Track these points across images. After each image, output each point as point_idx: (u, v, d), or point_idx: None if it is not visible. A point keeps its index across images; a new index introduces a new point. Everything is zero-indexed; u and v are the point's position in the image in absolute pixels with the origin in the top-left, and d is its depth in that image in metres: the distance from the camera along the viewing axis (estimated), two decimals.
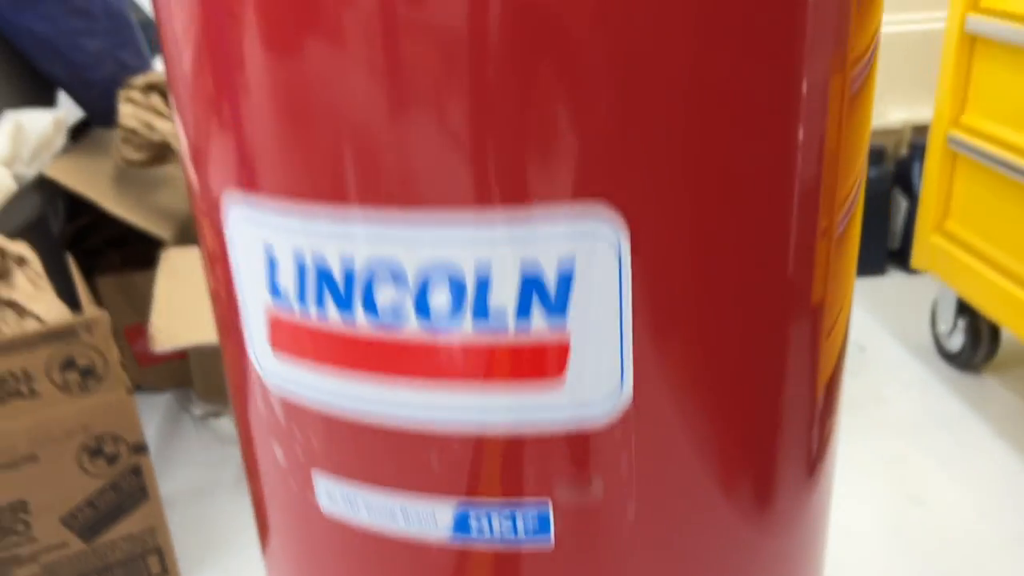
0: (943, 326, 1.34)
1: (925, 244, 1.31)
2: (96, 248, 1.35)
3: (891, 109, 1.60)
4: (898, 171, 1.62)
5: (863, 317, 1.49)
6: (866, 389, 1.29)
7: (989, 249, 1.19)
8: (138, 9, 1.38)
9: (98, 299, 1.28)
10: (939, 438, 1.18)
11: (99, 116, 1.27)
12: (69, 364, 0.84)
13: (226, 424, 1.26)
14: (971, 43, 1.17)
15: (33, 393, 0.83)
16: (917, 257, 1.33)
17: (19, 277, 0.92)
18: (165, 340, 1.03)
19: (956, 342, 1.32)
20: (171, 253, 1.16)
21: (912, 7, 1.56)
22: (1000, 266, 1.16)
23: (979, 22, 1.14)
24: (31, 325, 0.87)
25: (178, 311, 1.07)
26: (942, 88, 1.22)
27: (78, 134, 1.30)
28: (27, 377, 0.83)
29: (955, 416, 1.22)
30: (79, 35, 1.16)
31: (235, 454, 1.18)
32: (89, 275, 1.27)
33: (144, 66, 1.28)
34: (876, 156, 1.58)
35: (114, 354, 0.86)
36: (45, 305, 0.89)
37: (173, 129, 1.16)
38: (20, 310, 0.89)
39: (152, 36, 1.32)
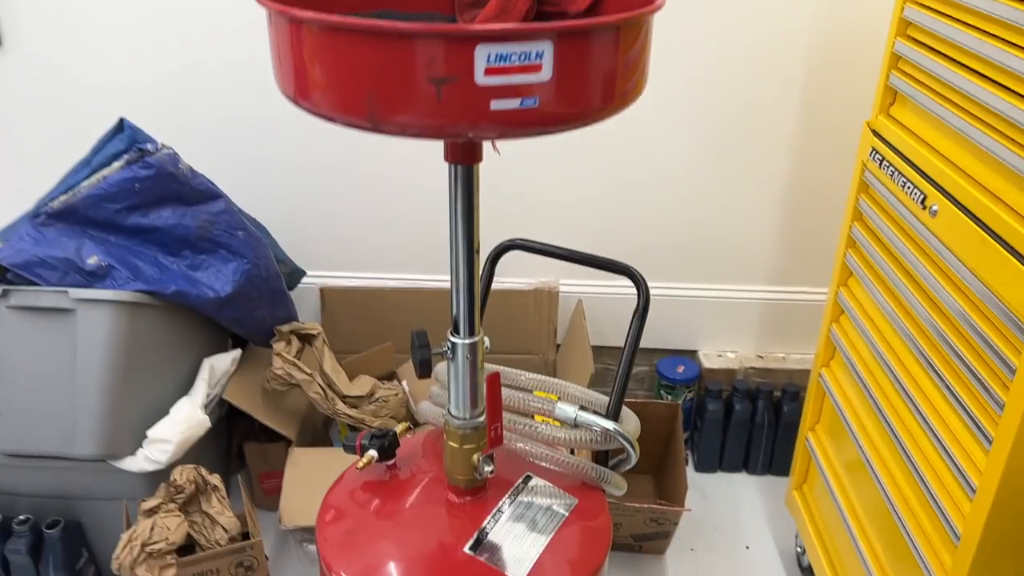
0: (799, 548, 1.96)
1: (790, 495, 1.92)
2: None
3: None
4: None
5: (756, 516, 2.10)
6: None
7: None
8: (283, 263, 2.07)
9: (242, 456, 2.01)
10: None
11: (257, 342, 1.97)
12: (240, 564, 1.56)
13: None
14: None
15: None
16: (787, 500, 1.94)
17: (213, 497, 1.64)
18: (289, 519, 1.74)
19: (806, 561, 1.93)
20: (296, 452, 1.86)
21: None
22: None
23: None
24: (219, 533, 1.59)
25: (299, 496, 1.77)
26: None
27: (241, 344, 2.01)
28: (217, 572, 1.54)
29: None
30: (252, 310, 1.86)
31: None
32: (241, 439, 2.00)
33: (291, 315, 1.97)
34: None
35: (263, 559, 1.57)
36: (227, 520, 1.61)
37: (306, 378, 1.85)
38: (212, 521, 1.61)
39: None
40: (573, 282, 2.25)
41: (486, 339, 1.05)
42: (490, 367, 1.28)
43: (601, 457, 1.18)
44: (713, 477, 2.25)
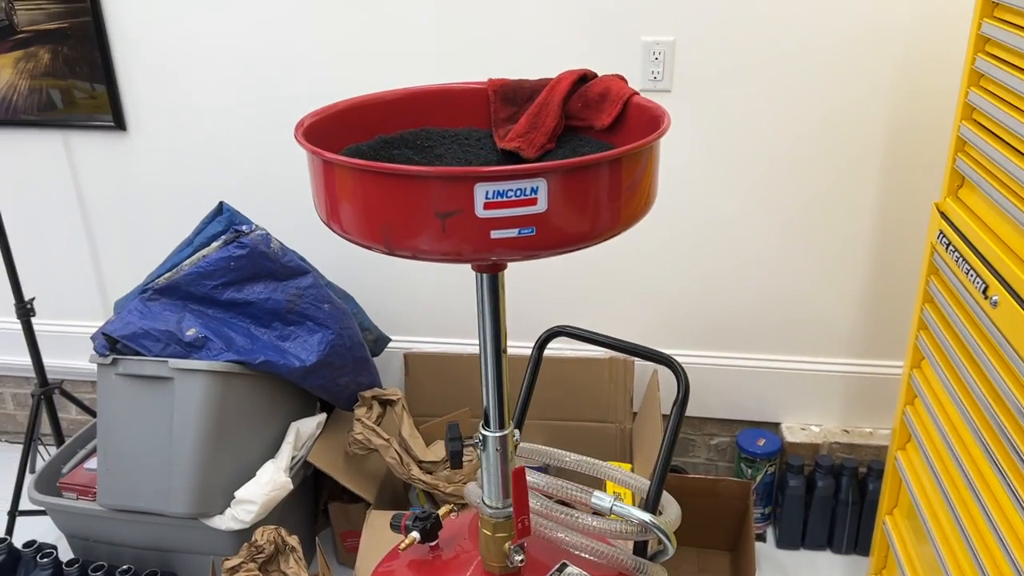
0: None
1: None
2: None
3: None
4: None
5: None
6: None
7: None
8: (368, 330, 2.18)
9: (327, 515, 2.11)
10: None
11: (342, 406, 2.08)
12: None
13: None
14: None
15: None
16: None
17: (291, 558, 1.74)
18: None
19: None
20: (373, 514, 1.94)
21: None
22: None
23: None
24: None
25: (374, 557, 1.85)
26: None
27: (327, 408, 2.12)
28: None
29: None
30: (337, 377, 1.98)
31: None
32: (328, 498, 2.11)
33: (374, 381, 2.08)
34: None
35: None
36: None
37: (384, 443, 1.95)
38: None
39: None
40: None
41: (516, 432, 1.10)
42: (538, 452, 1.33)
43: (640, 547, 1.20)
44: (795, 555, 2.19)
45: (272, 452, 1.94)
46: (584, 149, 1.05)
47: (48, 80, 2.21)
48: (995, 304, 1.30)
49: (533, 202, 0.78)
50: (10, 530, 2.10)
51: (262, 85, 2.14)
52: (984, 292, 1.34)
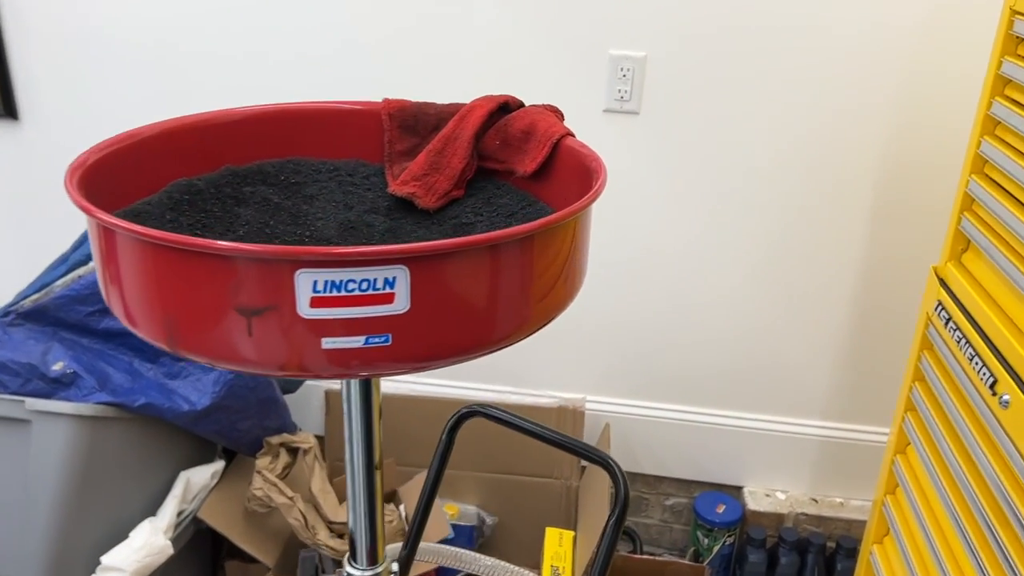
0: None
1: None
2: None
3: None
4: None
5: None
6: None
7: None
8: None
9: (224, 573, 1.84)
10: None
11: (245, 452, 1.81)
12: None
13: None
14: None
15: None
16: None
17: None
18: None
19: None
20: None
21: None
22: None
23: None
24: None
25: None
26: None
27: (231, 453, 1.85)
28: None
29: None
30: (236, 422, 1.71)
31: None
32: (227, 555, 1.84)
33: (284, 425, 1.81)
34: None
35: None
36: None
37: (286, 502, 1.68)
38: None
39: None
40: (602, 400, 2.03)
41: (393, 565, 0.85)
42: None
43: None
44: None
45: (156, 506, 1.66)
46: (501, 200, 0.79)
47: None
48: (1006, 405, 1.06)
49: (388, 299, 0.53)
50: None
51: (173, 75, 1.87)
52: (992, 387, 1.10)
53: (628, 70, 1.74)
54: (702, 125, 1.75)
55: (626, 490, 0.98)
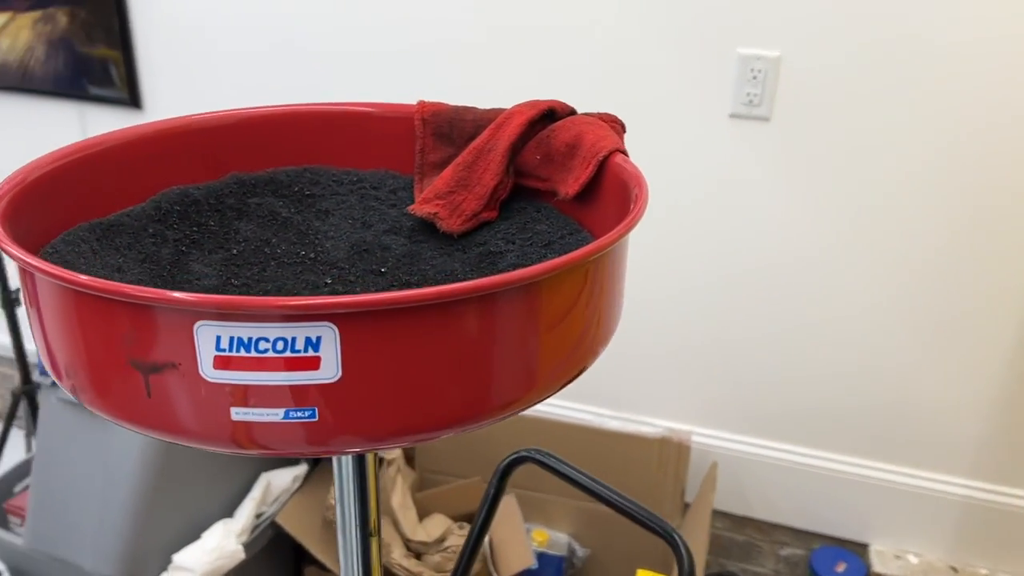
0: None
1: None
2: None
3: None
4: None
5: None
6: None
7: None
8: None
9: None
10: None
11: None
12: None
13: None
14: None
15: None
16: None
17: None
18: None
19: None
20: None
21: None
22: None
23: None
24: None
25: None
26: None
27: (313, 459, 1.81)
28: None
29: None
30: None
31: None
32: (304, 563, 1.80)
33: None
34: None
35: None
36: None
37: None
38: None
39: None
40: (711, 432, 1.85)
41: None
42: None
43: None
44: None
45: (234, 506, 1.64)
46: (539, 226, 0.66)
47: (64, 45, 1.98)
48: None
49: (311, 364, 0.41)
50: None
51: (291, 67, 1.84)
52: None
53: (759, 71, 1.55)
54: (842, 134, 1.54)
55: (691, 568, 0.83)
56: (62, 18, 1.96)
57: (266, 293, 0.59)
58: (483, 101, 0.74)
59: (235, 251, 0.65)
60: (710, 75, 1.58)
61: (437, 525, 1.72)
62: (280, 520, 1.65)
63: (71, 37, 1.96)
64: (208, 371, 0.41)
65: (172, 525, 1.53)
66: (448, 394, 0.45)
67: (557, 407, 1.90)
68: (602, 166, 0.63)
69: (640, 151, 1.66)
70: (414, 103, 0.73)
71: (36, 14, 1.98)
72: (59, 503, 1.53)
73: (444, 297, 0.41)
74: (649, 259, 1.73)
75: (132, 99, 1.98)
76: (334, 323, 0.40)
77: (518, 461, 0.94)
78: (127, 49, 1.93)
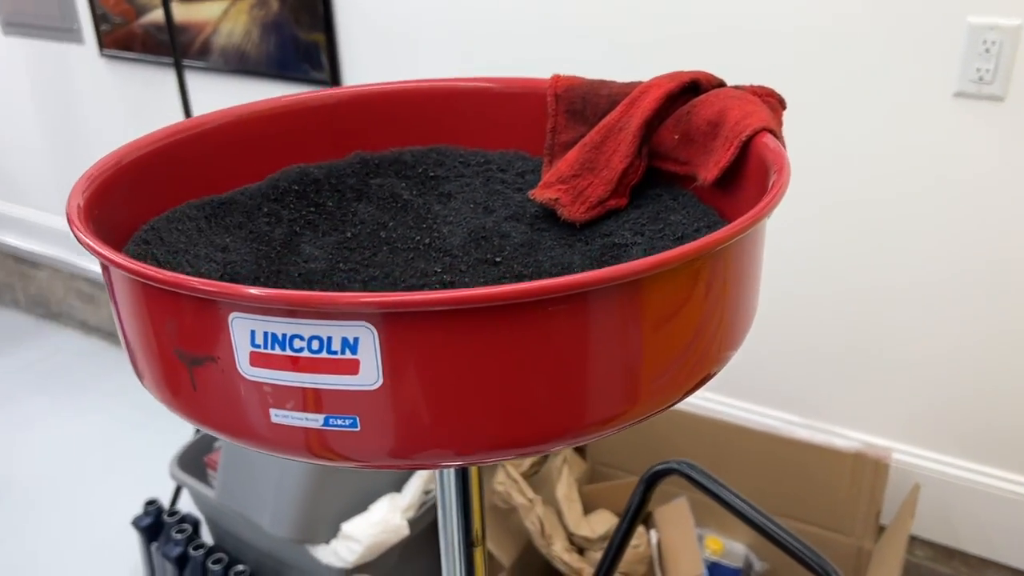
0: None
1: None
2: None
3: None
4: None
5: None
6: None
7: None
8: None
9: None
10: None
11: None
12: None
13: None
14: None
15: None
16: None
17: None
18: None
19: None
20: None
21: None
22: None
23: None
24: None
25: None
26: None
27: None
28: None
29: None
30: None
31: None
32: None
33: None
34: None
35: None
36: None
37: (526, 503, 1.58)
38: None
39: None
40: (914, 451, 1.65)
41: None
42: None
43: None
44: None
45: (402, 481, 1.66)
46: (674, 216, 0.58)
47: (276, 29, 2.09)
48: None
49: (348, 367, 0.36)
50: (178, 493, 2.06)
51: (485, 55, 1.83)
52: None
53: (993, 43, 1.34)
54: None
55: None
56: (274, 3, 2.07)
57: (372, 279, 0.56)
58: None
59: (349, 234, 0.62)
60: (932, 47, 1.39)
61: (602, 521, 1.66)
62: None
63: (282, 21, 2.07)
64: (245, 367, 0.38)
65: (343, 494, 1.58)
66: (515, 409, 0.39)
67: (742, 410, 1.78)
68: (746, 147, 0.54)
69: (841, 135, 1.49)
70: (543, 78, 0.67)
71: (253, 0, 2.10)
72: (244, 465, 1.62)
73: (497, 300, 0.35)
74: (855, 248, 1.56)
75: (333, 80, 2.05)
76: (372, 324, 0.35)
77: (664, 473, 0.86)
78: (329, 31, 2.00)
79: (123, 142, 0.54)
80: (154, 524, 1.87)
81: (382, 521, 1.55)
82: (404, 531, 1.57)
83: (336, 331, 0.36)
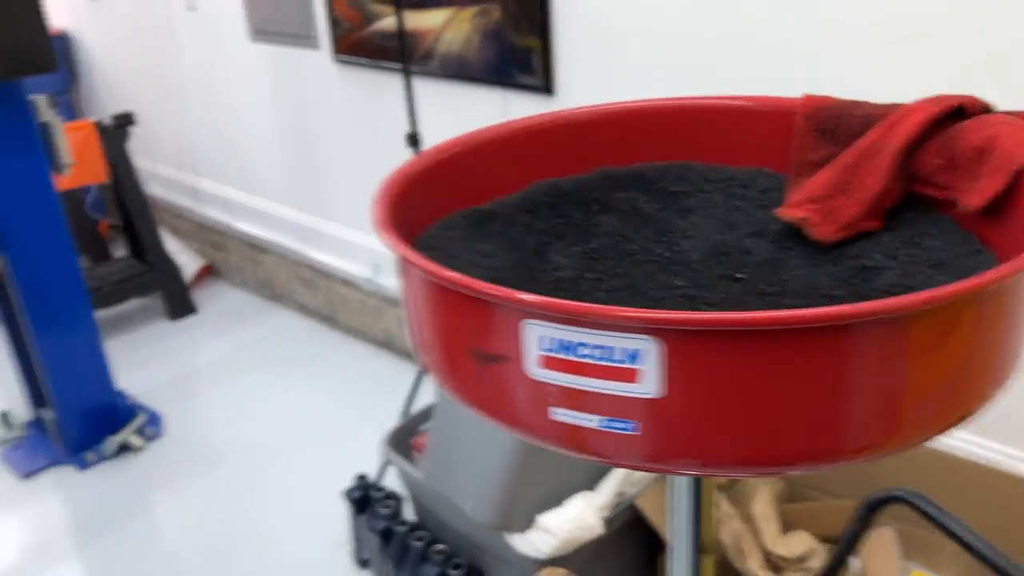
0: None
1: None
2: None
3: None
4: None
5: None
6: None
7: None
8: None
9: (656, 566, 1.81)
10: None
11: None
12: None
13: None
14: None
15: None
16: None
17: None
18: None
19: None
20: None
21: None
22: None
23: None
24: None
25: None
26: None
27: None
28: None
29: None
30: None
31: None
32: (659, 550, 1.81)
33: None
34: None
35: None
36: None
37: (719, 515, 1.58)
38: None
39: None
40: None
41: None
42: None
43: None
44: None
45: (597, 480, 1.69)
46: (931, 242, 0.57)
47: (495, 36, 2.18)
48: None
49: (628, 376, 0.39)
50: (383, 471, 2.19)
51: (698, 55, 1.83)
52: None
53: None
54: None
55: None
56: (495, 11, 2.16)
57: (616, 290, 0.59)
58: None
59: (594, 245, 0.65)
60: None
61: (800, 542, 1.61)
62: (639, 503, 1.68)
63: (501, 28, 2.15)
64: (532, 368, 0.42)
65: (541, 487, 1.63)
66: (790, 430, 0.41)
67: (960, 440, 1.67)
68: (1019, 178, 0.52)
69: None
70: (792, 97, 0.68)
71: (475, 9, 2.20)
72: (450, 450, 1.71)
73: (782, 324, 0.37)
74: None
75: (546, 86, 2.11)
76: (658, 337, 0.38)
77: (888, 500, 0.84)
78: (545, 38, 2.07)
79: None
80: (363, 497, 2.01)
81: (577, 517, 1.59)
82: (598, 530, 1.60)
83: (619, 342, 0.39)
